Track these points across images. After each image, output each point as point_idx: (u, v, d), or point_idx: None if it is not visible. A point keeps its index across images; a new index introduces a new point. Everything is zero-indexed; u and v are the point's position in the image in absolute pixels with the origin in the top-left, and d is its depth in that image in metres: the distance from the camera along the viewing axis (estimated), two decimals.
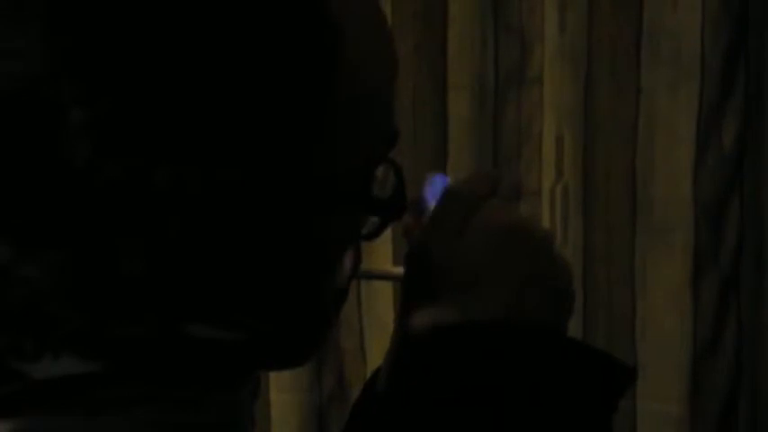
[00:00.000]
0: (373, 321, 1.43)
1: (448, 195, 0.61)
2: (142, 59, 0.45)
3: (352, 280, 0.56)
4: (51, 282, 0.46)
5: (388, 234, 0.60)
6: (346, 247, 0.54)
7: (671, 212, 1.42)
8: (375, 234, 0.56)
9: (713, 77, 1.38)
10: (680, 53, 1.38)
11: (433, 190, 0.63)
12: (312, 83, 0.48)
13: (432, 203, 0.61)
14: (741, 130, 1.40)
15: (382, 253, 1.32)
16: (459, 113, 1.40)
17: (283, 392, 1.40)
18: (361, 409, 0.62)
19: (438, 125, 1.40)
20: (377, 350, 1.44)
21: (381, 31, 0.54)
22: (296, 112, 0.47)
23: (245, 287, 0.50)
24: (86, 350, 0.48)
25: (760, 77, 1.39)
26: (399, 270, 0.62)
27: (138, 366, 0.49)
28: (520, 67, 1.41)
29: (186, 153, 0.45)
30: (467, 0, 1.38)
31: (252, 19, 0.46)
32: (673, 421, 1.43)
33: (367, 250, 0.58)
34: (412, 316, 0.59)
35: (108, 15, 0.45)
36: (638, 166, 1.41)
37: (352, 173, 0.51)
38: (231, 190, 0.46)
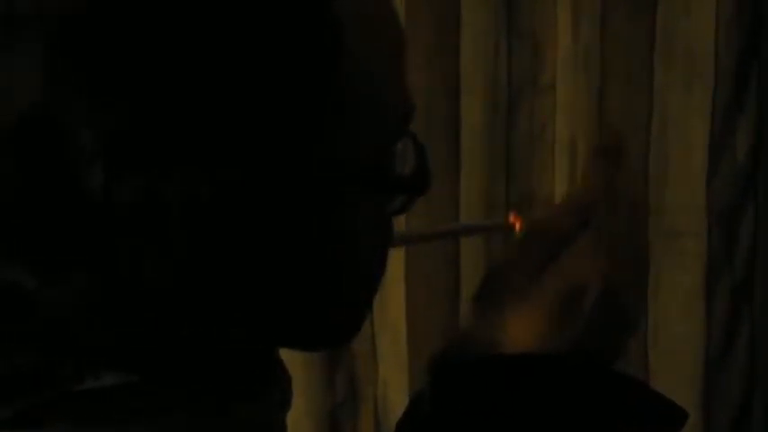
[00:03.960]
0: (385, 325, 1.44)
1: (535, 228, 0.60)
2: (144, 71, 0.44)
3: (384, 258, 0.56)
4: (79, 305, 0.47)
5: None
6: (371, 230, 0.54)
7: (684, 218, 1.41)
8: (402, 210, 0.55)
9: (726, 82, 1.38)
10: (693, 58, 1.38)
11: None
12: (314, 77, 0.47)
13: None
14: (755, 136, 1.40)
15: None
16: (471, 119, 1.40)
17: (296, 396, 1.40)
18: (405, 430, 0.62)
19: (450, 131, 1.40)
20: (389, 354, 1.44)
21: (380, 9, 0.53)
22: (301, 107, 0.47)
23: (272, 286, 0.50)
24: (119, 365, 0.49)
25: None
26: (498, 221, 0.61)
27: (169, 375, 0.50)
28: (533, 73, 1.41)
29: (195, 159, 0.45)
30: (480, 6, 1.38)
31: (254, 19, 0.46)
32: (685, 429, 1.43)
33: None
34: (468, 339, 0.59)
35: (105, 28, 0.44)
36: (652, 172, 1.41)
37: (366, 156, 0.51)
38: (243, 190, 0.46)
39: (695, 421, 1.43)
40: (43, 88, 0.44)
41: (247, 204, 0.47)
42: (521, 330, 0.58)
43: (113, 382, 0.48)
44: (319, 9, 0.47)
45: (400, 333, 1.43)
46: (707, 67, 1.38)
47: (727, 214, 1.41)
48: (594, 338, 0.58)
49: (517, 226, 0.67)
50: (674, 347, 1.43)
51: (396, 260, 1.32)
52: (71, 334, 0.48)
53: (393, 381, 1.44)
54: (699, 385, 1.43)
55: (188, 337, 0.49)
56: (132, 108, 0.44)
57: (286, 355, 0.57)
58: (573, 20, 1.38)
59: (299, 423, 1.41)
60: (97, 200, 0.44)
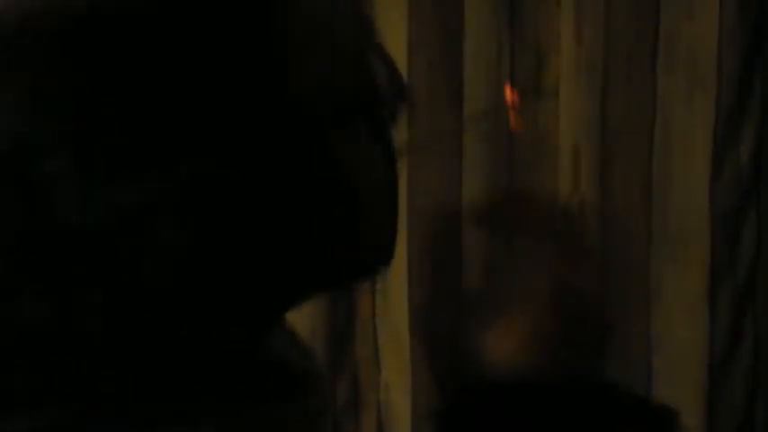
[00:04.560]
0: (387, 329, 1.44)
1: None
2: (100, 90, 0.45)
3: (395, 168, 0.55)
4: (95, 324, 0.47)
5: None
6: (369, 161, 0.53)
7: (687, 223, 1.41)
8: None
9: (729, 88, 1.38)
10: (696, 64, 1.38)
11: None
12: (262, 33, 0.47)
13: None
14: (758, 141, 1.40)
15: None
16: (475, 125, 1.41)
17: None
18: None
19: (454, 137, 1.40)
20: (391, 358, 1.44)
21: None
22: (256, 77, 0.47)
23: (273, 284, 0.50)
24: (123, 369, 0.49)
25: None
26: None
27: (170, 376, 0.50)
28: (536, 79, 1.41)
29: (165, 161, 0.46)
30: (483, 13, 1.39)
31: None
32: None
33: None
34: (463, 358, 0.60)
35: (74, 46, 0.45)
36: (655, 177, 1.41)
37: (348, 85, 0.50)
38: (242, 189, 0.47)
39: (698, 426, 1.43)
40: (9, 122, 0.44)
41: (243, 203, 0.47)
42: (506, 347, 0.59)
43: (118, 390, 0.49)
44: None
45: (402, 337, 1.43)
46: (710, 72, 1.38)
47: (730, 218, 1.41)
48: (572, 346, 0.59)
49: (516, 99, 0.67)
50: (677, 351, 1.43)
51: (398, 262, 1.33)
52: (76, 344, 0.48)
53: (395, 384, 1.45)
54: (702, 389, 1.43)
55: (188, 336, 0.50)
56: (93, 130, 0.45)
57: None
58: (576, 25, 1.38)
59: None
60: (100, 203, 0.45)
